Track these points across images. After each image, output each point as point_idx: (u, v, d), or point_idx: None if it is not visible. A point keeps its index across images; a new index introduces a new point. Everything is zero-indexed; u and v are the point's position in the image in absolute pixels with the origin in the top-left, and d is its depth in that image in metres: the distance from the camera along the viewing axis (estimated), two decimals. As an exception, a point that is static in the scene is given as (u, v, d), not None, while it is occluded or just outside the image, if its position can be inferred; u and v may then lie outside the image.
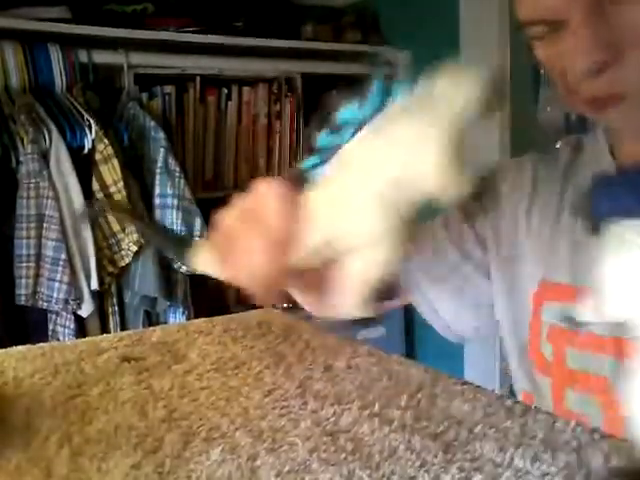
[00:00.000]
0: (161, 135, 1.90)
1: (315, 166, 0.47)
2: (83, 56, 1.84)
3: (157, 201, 1.90)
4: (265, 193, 0.48)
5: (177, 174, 1.90)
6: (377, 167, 0.42)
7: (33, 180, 1.70)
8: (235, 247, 0.49)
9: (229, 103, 2.19)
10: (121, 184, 1.79)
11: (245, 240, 0.48)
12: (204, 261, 0.53)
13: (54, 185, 1.72)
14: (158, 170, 1.89)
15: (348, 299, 0.48)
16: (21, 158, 1.71)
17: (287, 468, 0.36)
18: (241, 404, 0.45)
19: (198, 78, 2.10)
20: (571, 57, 0.57)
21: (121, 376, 0.51)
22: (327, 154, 0.46)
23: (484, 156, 2.24)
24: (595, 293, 0.35)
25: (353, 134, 0.44)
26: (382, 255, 0.45)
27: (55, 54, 1.79)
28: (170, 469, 0.37)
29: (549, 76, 0.63)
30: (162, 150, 1.89)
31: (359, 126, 0.43)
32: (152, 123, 1.91)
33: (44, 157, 1.72)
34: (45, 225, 1.71)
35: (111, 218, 1.81)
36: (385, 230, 0.43)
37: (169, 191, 1.89)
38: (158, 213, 1.89)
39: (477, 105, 0.40)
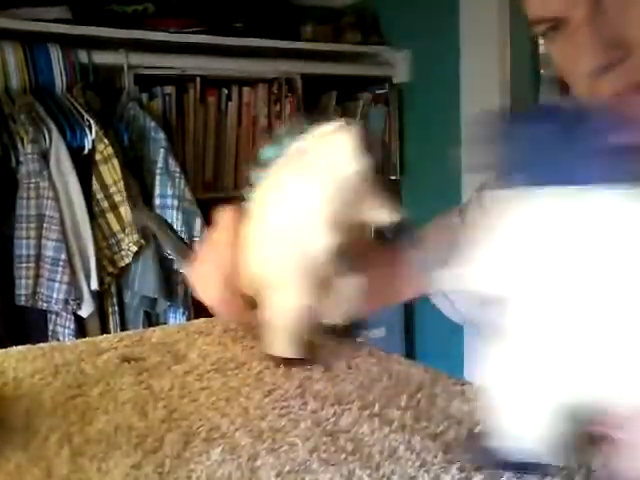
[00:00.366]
0: (161, 135, 1.90)
1: (249, 201, 0.51)
2: (83, 56, 1.84)
3: (157, 201, 1.90)
4: (218, 224, 0.54)
5: (177, 175, 1.90)
6: (274, 217, 0.46)
7: (33, 180, 1.70)
8: (198, 271, 0.56)
9: (229, 104, 2.19)
10: (121, 184, 1.79)
11: (203, 266, 0.55)
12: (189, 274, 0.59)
13: (54, 185, 1.72)
14: (158, 171, 1.89)
15: (272, 338, 0.50)
16: (21, 158, 1.71)
17: (287, 468, 0.36)
18: (241, 404, 0.45)
19: (198, 79, 2.10)
20: (575, 57, 0.56)
21: (121, 376, 0.51)
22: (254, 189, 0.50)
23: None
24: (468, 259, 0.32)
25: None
26: (291, 300, 0.47)
27: (55, 54, 1.79)
28: (170, 469, 0.37)
29: (560, 75, 0.62)
30: (162, 151, 1.89)
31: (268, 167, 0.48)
32: (152, 123, 1.91)
33: (44, 157, 1.72)
34: (45, 225, 1.71)
35: (110, 217, 1.81)
36: (290, 276, 0.46)
37: (169, 192, 1.89)
38: (158, 213, 1.89)
39: (356, 171, 0.43)
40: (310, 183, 0.44)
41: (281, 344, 0.50)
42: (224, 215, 0.53)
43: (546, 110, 0.33)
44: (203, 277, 0.55)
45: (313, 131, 0.46)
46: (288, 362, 0.50)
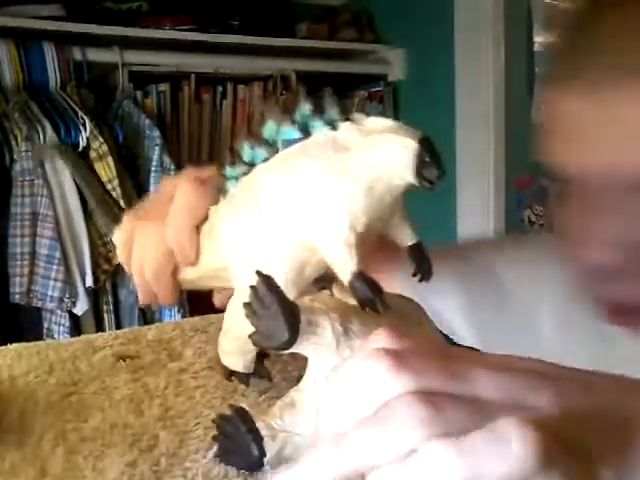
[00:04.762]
0: (156, 133, 1.89)
1: (235, 178, 0.43)
2: (77, 54, 1.84)
3: (152, 199, 1.89)
4: (180, 191, 0.44)
5: (172, 172, 1.89)
6: (286, 206, 0.38)
7: (27, 178, 1.69)
8: (139, 233, 0.46)
9: (224, 101, 2.18)
10: (116, 182, 1.78)
11: (148, 230, 0.45)
12: (118, 237, 0.49)
13: (48, 183, 1.71)
14: (153, 168, 1.89)
15: (226, 348, 0.44)
16: (15, 156, 1.71)
17: (283, 466, 0.36)
18: (237, 402, 0.45)
19: (193, 76, 2.10)
20: (581, 235, 0.44)
21: (116, 374, 0.51)
22: (247, 169, 0.42)
23: (479, 157, 2.24)
24: None
25: (270, 155, 0.40)
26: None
27: (49, 52, 1.78)
28: (166, 467, 0.37)
29: (557, 235, 0.49)
30: (157, 148, 1.88)
31: (277, 148, 0.40)
32: (147, 121, 1.91)
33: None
34: (39, 223, 1.71)
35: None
36: (285, 275, 0.38)
37: (164, 189, 1.88)
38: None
39: (406, 177, 0.34)
40: (341, 181, 0.36)
41: (235, 357, 0.43)
42: (188, 185, 0.43)
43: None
44: (142, 244, 0.45)
45: (357, 122, 0.38)
46: (235, 375, 0.45)
